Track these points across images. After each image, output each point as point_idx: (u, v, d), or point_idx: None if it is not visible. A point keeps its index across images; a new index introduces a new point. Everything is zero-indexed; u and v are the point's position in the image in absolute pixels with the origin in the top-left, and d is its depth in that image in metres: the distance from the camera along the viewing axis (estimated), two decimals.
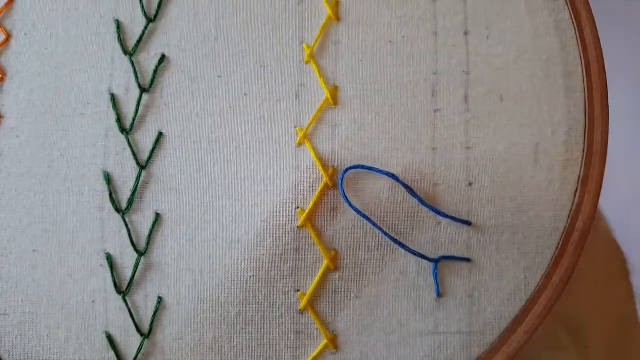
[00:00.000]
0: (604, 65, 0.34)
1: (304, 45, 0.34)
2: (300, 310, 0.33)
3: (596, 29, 0.34)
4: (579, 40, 0.34)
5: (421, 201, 0.32)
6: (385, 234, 0.32)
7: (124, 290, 0.33)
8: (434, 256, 0.33)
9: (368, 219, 0.32)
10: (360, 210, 0.32)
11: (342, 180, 0.32)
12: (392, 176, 0.32)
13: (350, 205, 0.32)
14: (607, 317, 0.40)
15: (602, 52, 0.34)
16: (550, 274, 0.33)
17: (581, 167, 0.34)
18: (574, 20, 0.34)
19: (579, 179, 0.34)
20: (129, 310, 0.33)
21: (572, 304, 0.39)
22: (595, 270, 0.41)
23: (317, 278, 0.33)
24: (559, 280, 0.33)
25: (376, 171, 0.32)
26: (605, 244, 0.42)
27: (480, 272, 0.33)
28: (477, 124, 0.34)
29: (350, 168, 0.32)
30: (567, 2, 0.35)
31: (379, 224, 0.32)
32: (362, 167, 0.32)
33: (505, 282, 0.33)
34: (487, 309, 0.33)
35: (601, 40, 0.34)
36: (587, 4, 0.34)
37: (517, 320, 0.33)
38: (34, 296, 0.33)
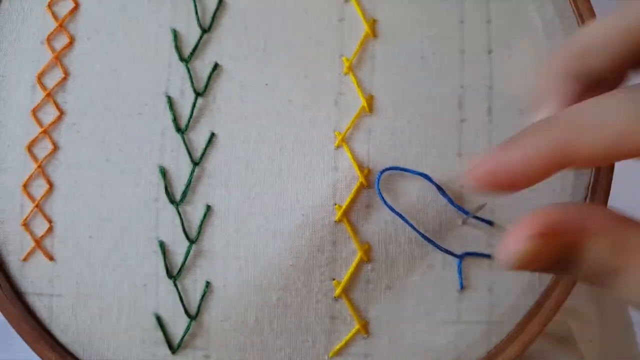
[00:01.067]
0: None
1: (344, 59, 0.38)
2: (335, 297, 0.36)
3: None
4: None
5: (450, 201, 0.35)
6: (416, 230, 0.35)
7: (174, 275, 0.36)
8: (459, 252, 0.36)
9: (401, 216, 0.35)
10: (393, 208, 0.35)
11: (378, 181, 0.35)
12: (426, 176, 0.35)
13: (386, 203, 0.35)
14: (603, 313, 0.43)
15: None
16: None
17: (590, 176, 0.38)
18: None
19: (588, 186, 0.37)
20: (179, 294, 0.36)
21: (577, 301, 0.42)
22: None
23: (351, 268, 0.36)
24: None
25: (410, 172, 0.36)
26: None
27: (500, 267, 0.36)
28: (499, 133, 0.37)
29: (387, 169, 0.36)
30: (579, 25, 0.39)
31: (410, 222, 0.36)
32: (397, 168, 0.36)
33: (521, 277, 0.36)
34: (504, 301, 0.36)
35: None
36: None
37: (532, 312, 0.36)
38: (88, 279, 0.36)
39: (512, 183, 0.21)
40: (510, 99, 0.38)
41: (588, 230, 0.20)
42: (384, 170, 0.36)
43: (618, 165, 0.39)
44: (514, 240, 0.20)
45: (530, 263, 0.20)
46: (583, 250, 0.20)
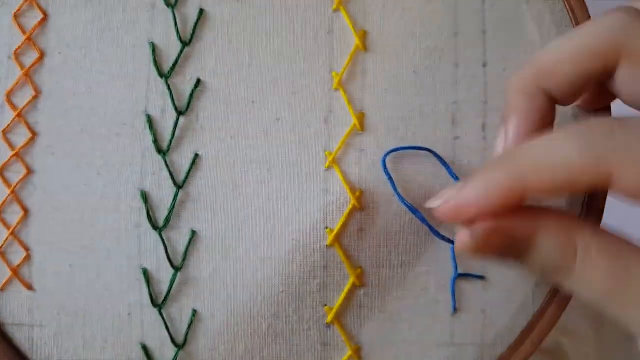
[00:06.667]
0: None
1: (333, 73, 0.36)
2: (327, 323, 0.35)
3: None
4: None
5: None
6: (424, 221, 0.34)
7: (159, 303, 0.35)
8: (451, 274, 0.35)
9: (410, 207, 0.34)
10: (404, 198, 0.35)
11: (384, 163, 0.35)
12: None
13: (395, 191, 0.34)
14: (600, 328, 0.43)
15: None
16: (557, 289, 0.36)
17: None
18: None
19: (583, 202, 0.37)
20: (165, 322, 0.34)
21: (569, 317, 0.42)
22: None
23: (343, 294, 0.35)
24: (565, 295, 0.36)
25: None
26: None
27: (493, 288, 0.36)
28: (493, 151, 0.36)
29: (390, 151, 0.35)
30: None
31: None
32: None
33: (515, 297, 0.36)
34: (497, 322, 0.36)
35: None
36: None
37: (525, 333, 0.36)
38: (70, 309, 0.35)
39: (472, 217, 0.24)
40: None
41: (539, 228, 0.23)
42: (387, 153, 0.35)
43: None
44: (471, 230, 0.24)
45: (483, 248, 0.25)
46: (534, 245, 0.24)
